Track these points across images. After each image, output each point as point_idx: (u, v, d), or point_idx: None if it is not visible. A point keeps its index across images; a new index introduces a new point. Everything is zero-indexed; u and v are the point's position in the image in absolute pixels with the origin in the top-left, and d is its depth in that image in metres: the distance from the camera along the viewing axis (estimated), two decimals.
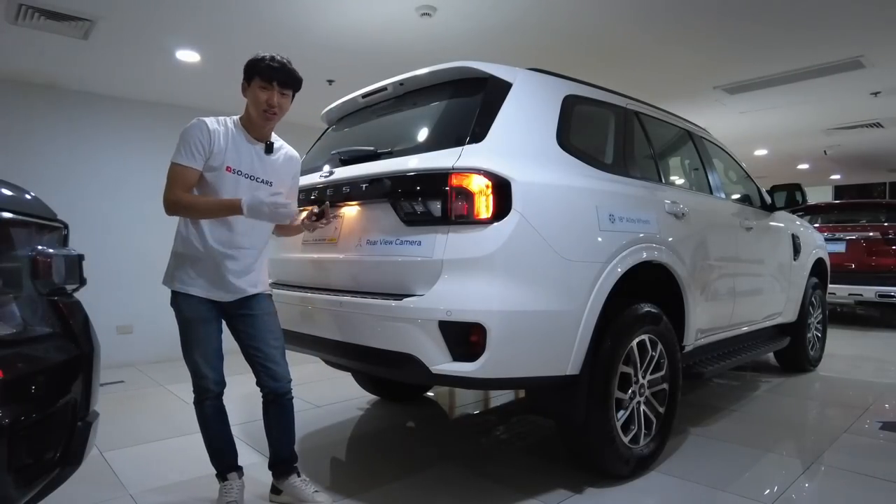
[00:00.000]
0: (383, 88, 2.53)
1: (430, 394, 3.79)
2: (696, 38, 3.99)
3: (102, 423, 1.43)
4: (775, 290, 3.67)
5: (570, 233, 2.05)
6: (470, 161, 1.90)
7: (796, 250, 3.93)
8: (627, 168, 2.48)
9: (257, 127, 2.01)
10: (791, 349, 4.02)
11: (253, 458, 2.55)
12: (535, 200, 1.95)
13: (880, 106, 5.72)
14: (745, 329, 3.36)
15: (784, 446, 2.76)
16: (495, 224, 1.87)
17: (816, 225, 6.71)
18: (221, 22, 3.54)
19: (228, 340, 2.10)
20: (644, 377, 2.35)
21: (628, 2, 3.40)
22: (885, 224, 6.45)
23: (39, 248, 1.21)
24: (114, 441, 2.87)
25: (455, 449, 2.79)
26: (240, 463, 2.18)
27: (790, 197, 3.72)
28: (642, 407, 2.34)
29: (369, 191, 2.15)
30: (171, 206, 1.90)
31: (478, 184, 1.88)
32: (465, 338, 1.84)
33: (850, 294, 6.51)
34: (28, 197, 1.24)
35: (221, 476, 2.13)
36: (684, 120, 3.26)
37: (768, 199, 3.72)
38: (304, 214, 2.20)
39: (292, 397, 2.12)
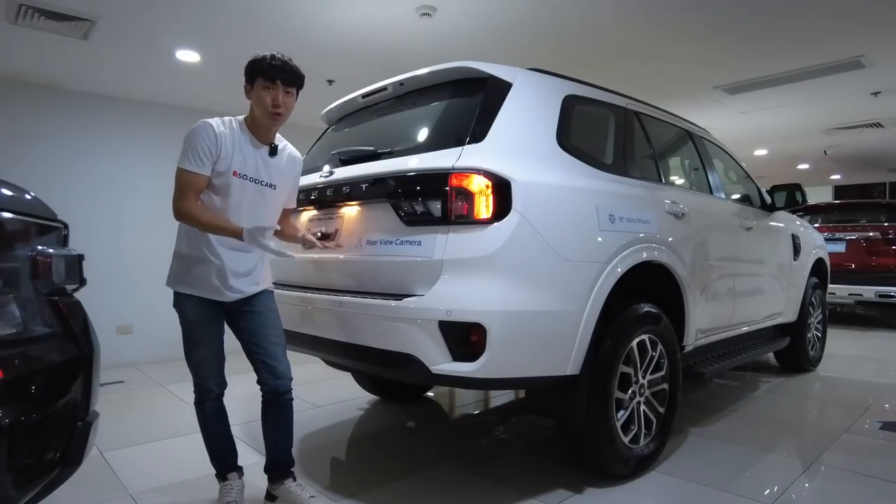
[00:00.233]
0: (383, 88, 2.53)
1: (430, 394, 3.79)
2: (696, 38, 3.98)
3: (102, 423, 1.43)
4: (775, 290, 3.67)
5: (570, 233, 2.05)
6: (470, 161, 1.90)
7: (796, 250, 3.93)
8: (627, 168, 2.48)
9: (263, 128, 1.99)
10: (791, 349, 4.02)
11: (253, 458, 2.55)
12: (535, 200, 1.95)
13: (880, 106, 5.72)
14: (745, 329, 3.36)
15: (784, 446, 2.76)
16: (495, 224, 1.87)
17: (816, 225, 6.71)
18: (221, 22, 3.54)
19: (230, 341, 2.10)
20: (644, 377, 2.35)
21: (628, 2, 3.40)
22: (885, 224, 6.46)
23: (39, 248, 1.21)
24: (114, 441, 2.87)
25: (455, 449, 2.79)
26: (240, 463, 2.18)
27: (790, 197, 3.72)
28: (642, 407, 2.34)
29: (369, 191, 2.15)
30: (179, 215, 1.90)
31: (478, 184, 1.88)
32: (465, 338, 1.84)
33: (850, 294, 6.51)
34: (28, 197, 1.24)
35: (221, 476, 2.13)
36: (684, 120, 3.26)
37: (768, 199, 3.72)
38: (310, 236, 2.18)
39: (292, 398, 2.09)
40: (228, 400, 2.15)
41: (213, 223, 1.90)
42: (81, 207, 4.75)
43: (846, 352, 5.10)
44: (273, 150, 2.04)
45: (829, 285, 4.89)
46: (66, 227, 1.35)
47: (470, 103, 2.16)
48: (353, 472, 2.58)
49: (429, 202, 1.94)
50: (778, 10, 3.52)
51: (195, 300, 1.98)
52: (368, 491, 2.27)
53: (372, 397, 3.66)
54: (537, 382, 2.09)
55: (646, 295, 2.40)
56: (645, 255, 2.28)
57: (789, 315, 3.90)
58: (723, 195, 3.27)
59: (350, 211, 2.28)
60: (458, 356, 1.85)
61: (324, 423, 3.20)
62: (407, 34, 3.80)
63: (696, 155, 3.20)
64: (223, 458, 2.14)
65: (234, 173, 1.94)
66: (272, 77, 1.90)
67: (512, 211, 1.88)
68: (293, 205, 2.25)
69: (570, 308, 2.01)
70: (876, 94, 5.30)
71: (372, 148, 2.32)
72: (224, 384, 2.11)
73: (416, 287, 1.92)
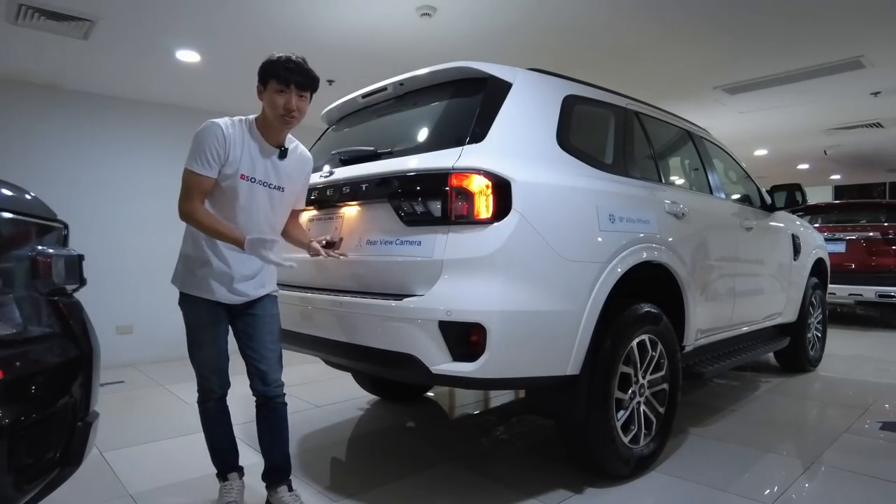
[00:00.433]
0: (383, 88, 2.53)
1: (430, 394, 3.79)
2: (696, 38, 3.98)
3: (102, 423, 1.42)
4: (775, 290, 3.67)
5: (570, 233, 2.05)
6: (470, 161, 1.90)
7: (796, 250, 3.93)
8: (627, 168, 2.48)
9: (274, 131, 1.94)
10: (791, 349, 4.02)
11: (253, 458, 2.54)
12: (535, 201, 1.95)
13: (880, 106, 5.72)
14: (745, 329, 3.36)
15: (784, 446, 2.76)
16: (495, 224, 1.87)
17: (816, 225, 6.71)
18: (221, 22, 3.54)
19: (232, 341, 2.09)
20: (644, 377, 2.35)
21: (628, 2, 3.40)
22: (885, 224, 6.45)
23: (39, 248, 1.21)
24: (114, 441, 2.87)
25: (455, 449, 2.79)
26: (241, 463, 2.18)
27: (790, 197, 3.72)
28: (642, 407, 2.34)
29: (369, 191, 2.15)
30: (185, 216, 1.89)
31: (478, 184, 1.88)
32: (465, 338, 1.84)
33: (850, 294, 6.51)
34: (28, 197, 1.24)
35: (222, 476, 2.13)
36: (684, 120, 3.26)
37: (768, 199, 3.72)
38: (316, 244, 2.16)
39: (285, 402, 2.06)
40: (230, 400, 2.15)
41: (216, 228, 1.87)
42: (81, 207, 4.75)
43: (846, 352, 5.10)
44: (283, 153, 1.99)
45: (829, 285, 4.89)
46: (66, 227, 1.34)
47: (470, 103, 2.16)
48: (353, 472, 2.58)
49: (429, 202, 1.94)
50: (778, 10, 3.52)
51: (200, 301, 1.97)
52: (368, 491, 2.26)
53: (372, 397, 3.66)
54: (537, 382, 2.09)
55: (646, 295, 2.40)
56: (645, 255, 2.28)
57: (789, 315, 3.90)
58: (723, 195, 3.27)
59: (350, 211, 2.28)
60: (458, 356, 1.85)
61: (324, 423, 3.20)
62: (407, 34, 3.80)
63: (696, 155, 3.20)
64: (224, 457, 2.14)
65: (242, 176, 1.91)
66: (286, 80, 1.85)
67: (512, 211, 1.88)
68: (302, 206, 2.21)
69: (571, 308, 2.01)
70: (876, 94, 5.30)
71: (372, 148, 2.32)
72: (227, 384, 2.11)
73: (417, 287, 1.92)
